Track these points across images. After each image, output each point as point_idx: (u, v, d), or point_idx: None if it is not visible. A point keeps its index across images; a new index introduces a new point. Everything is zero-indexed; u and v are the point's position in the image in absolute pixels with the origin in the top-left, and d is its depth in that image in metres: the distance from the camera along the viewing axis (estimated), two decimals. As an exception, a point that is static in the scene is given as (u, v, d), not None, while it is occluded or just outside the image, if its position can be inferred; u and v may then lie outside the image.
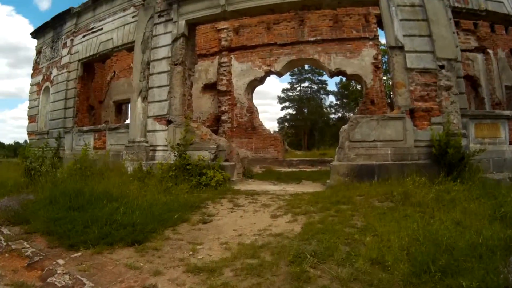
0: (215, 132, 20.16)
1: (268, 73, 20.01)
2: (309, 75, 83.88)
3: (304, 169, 17.48)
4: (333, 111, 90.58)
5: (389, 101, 20.96)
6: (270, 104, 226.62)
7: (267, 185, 12.03)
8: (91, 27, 17.67)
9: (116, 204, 7.63)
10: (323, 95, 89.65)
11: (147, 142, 13.66)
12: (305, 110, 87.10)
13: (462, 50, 14.72)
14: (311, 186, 11.68)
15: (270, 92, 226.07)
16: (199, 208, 8.40)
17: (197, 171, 11.16)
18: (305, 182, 12.77)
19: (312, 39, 19.28)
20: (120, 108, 26.36)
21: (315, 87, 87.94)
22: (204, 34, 21.52)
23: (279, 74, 20.30)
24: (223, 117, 20.41)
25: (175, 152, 11.84)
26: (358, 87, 73.98)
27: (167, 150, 12.56)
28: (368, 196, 8.51)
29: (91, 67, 19.04)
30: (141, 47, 14.43)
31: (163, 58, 13.66)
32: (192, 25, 13.91)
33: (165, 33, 13.81)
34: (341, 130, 11.17)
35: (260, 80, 20.48)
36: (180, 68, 13.31)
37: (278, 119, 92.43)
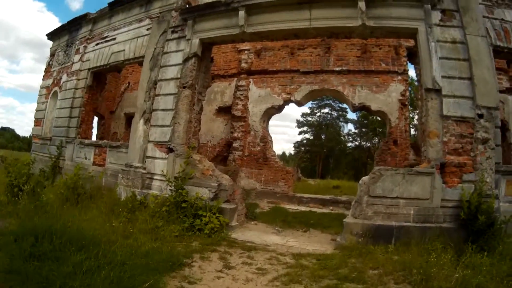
0: (225, 159, 19.12)
1: (287, 102, 18.51)
2: (330, 101, 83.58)
3: (315, 209, 15.88)
4: (351, 139, 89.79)
5: (413, 141, 19.27)
6: (288, 126, 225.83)
7: (269, 234, 10.50)
8: (105, 35, 16.43)
9: (83, 255, 6.12)
10: (342, 123, 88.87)
11: (144, 168, 12.33)
12: (322, 136, 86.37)
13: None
14: (318, 240, 10.21)
15: (290, 115, 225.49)
16: (182, 267, 6.91)
17: (192, 211, 9.77)
18: (312, 232, 11.20)
19: (337, 68, 17.80)
20: (131, 121, 24.47)
21: (335, 114, 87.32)
22: (224, 54, 20.33)
23: (299, 104, 18.79)
24: (235, 144, 19.03)
25: (172, 185, 10.45)
26: (378, 118, 75.36)
27: (164, 180, 11.03)
28: (383, 271, 7.02)
29: (102, 77, 17.77)
30: (150, 64, 13.11)
31: (172, 78, 12.35)
32: (207, 45, 12.53)
33: (176, 51, 12.50)
34: (360, 182, 9.72)
35: (278, 109, 18.98)
36: (188, 92, 11.96)
37: (294, 143, 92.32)
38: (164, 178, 11.12)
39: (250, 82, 19.22)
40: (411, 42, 16.57)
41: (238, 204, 11.06)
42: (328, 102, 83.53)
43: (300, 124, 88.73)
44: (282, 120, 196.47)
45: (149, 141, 12.48)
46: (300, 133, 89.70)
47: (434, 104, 9.63)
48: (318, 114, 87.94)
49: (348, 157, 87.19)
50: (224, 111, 20.18)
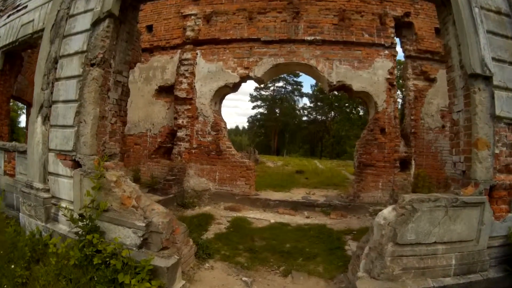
0: (169, 151, 15.40)
1: (244, 79, 14.72)
2: (285, 75, 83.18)
3: (286, 216, 12.52)
4: (306, 113, 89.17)
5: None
6: (241, 100, 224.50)
7: (232, 286, 6.91)
8: (18, 3, 11.45)
9: None
10: (297, 97, 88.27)
11: (48, 190, 8.15)
12: (277, 111, 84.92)
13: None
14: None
15: (242, 87, 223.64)
16: None
17: (108, 274, 5.67)
18: (296, 276, 7.48)
19: (309, 38, 14.14)
20: None
21: (289, 87, 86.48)
22: (165, 21, 16.33)
23: (260, 81, 14.99)
24: (180, 133, 15.07)
25: (77, 226, 6.51)
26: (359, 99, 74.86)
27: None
28: None
29: (17, 57, 13.02)
30: (51, 34, 8.69)
31: (76, 53, 7.96)
32: (130, 2, 8.30)
33: (85, 12, 8.09)
34: (379, 220, 6.13)
35: (233, 87, 15.08)
36: (98, 72, 7.60)
37: (248, 118, 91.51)
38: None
39: (197, 54, 15.19)
40: (398, 11, 14.03)
41: (182, 248, 7.07)
42: (282, 76, 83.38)
43: (253, 98, 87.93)
44: (234, 93, 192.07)
45: (49, 150, 8.21)
46: (253, 107, 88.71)
47: (483, 98, 6.28)
48: (272, 88, 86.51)
49: (303, 131, 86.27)
50: (166, 91, 16.20)
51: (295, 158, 54.17)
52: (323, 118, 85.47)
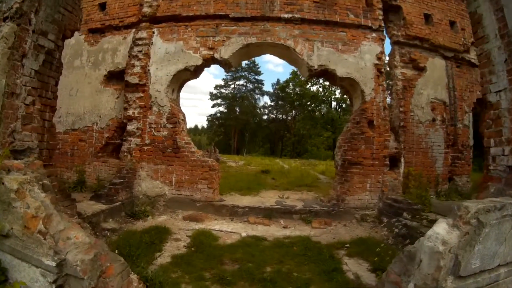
0: (118, 149, 12.94)
1: (208, 61, 12.29)
2: (246, 73, 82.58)
3: (259, 228, 10.13)
4: (267, 112, 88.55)
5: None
6: (200, 99, 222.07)
7: None
8: None
9: None
10: (258, 95, 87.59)
11: None
12: (237, 109, 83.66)
13: None
14: None
15: (200, 87, 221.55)
16: None
17: None
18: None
19: (286, 15, 11.99)
20: None
21: (250, 86, 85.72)
22: (121, -4, 13.65)
23: (226, 64, 12.57)
24: (130, 127, 12.48)
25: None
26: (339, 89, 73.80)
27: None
28: None
29: None
30: None
31: None
32: None
33: None
34: (429, 244, 3.94)
35: (195, 72, 12.58)
36: (10, 29, 5.35)
37: (208, 116, 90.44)
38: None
39: (153, 33, 12.65)
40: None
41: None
42: (243, 74, 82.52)
43: (213, 96, 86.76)
44: (193, 93, 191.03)
45: None
46: (213, 105, 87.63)
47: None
48: (232, 86, 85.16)
49: (264, 130, 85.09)
50: (117, 78, 13.55)
51: (256, 157, 52.50)
52: (284, 117, 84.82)
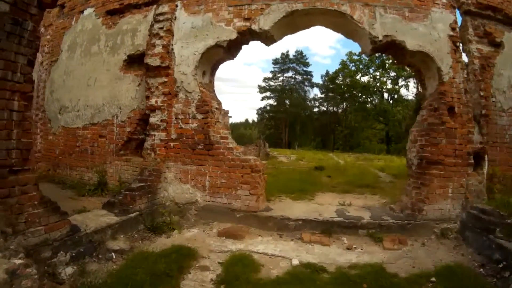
0: (141, 145, 10.71)
1: (244, 34, 9.73)
2: (294, 64, 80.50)
3: (316, 249, 7.52)
4: (317, 104, 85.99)
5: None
6: (249, 93, 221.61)
7: None
8: None
9: None
10: (307, 87, 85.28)
11: None
12: (287, 102, 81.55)
13: None
14: None
15: (248, 81, 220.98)
16: None
17: None
18: None
19: (338, -25, 9.25)
20: None
21: (299, 78, 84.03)
22: (138, -29, 11.49)
23: (267, 38, 9.96)
24: (153, 119, 10.16)
25: None
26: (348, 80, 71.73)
27: None
28: None
29: None
30: None
31: None
32: None
33: None
34: None
35: (228, 49, 10.04)
36: None
37: (257, 110, 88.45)
38: None
39: (176, 6, 10.28)
40: None
41: None
42: (291, 65, 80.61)
43: (262, 89, 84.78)
44: (243, 87, 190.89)
45: None
46: (262, 98, 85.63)
47: None
48: (281, 78, 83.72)
49: (315, 123, 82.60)
50: (138, 62, 11.13)
51: (309, 151, 49.98)
52: (335, 109, 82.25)
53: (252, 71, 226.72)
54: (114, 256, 6.61)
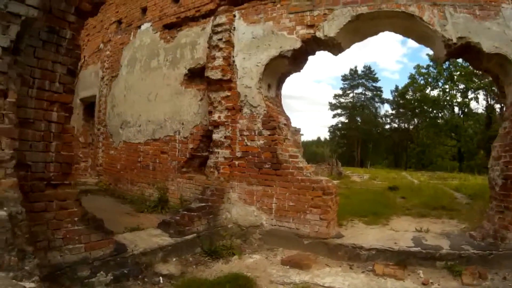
0: (204, 163, 10.33)
1: (309, 43, 8.95)
2: (363, 80, 79.50)
3: (389, 284, 6.64)
4: (388, 121, 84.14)
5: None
6: (320, 111, 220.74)
7: None
8: None
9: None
10: (378, 103, 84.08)
11: None
12: (358, 119, 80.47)
13: None
14: None
15: (319, 99, 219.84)
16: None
17: None
18: None
19: (404, -25, 8.40)
20: (91, 109, 17.12)
21: (369, 94, 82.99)
22: (195, -16, 11.37)
23: (334, 46, 9.00)
24: (216, 135, 9.64)
25: None
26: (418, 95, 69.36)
27: None
28: None
29: None
30: None
31: None
32: None
33: None
34: None
35: (293, 59, 9.32)
36: None
37: (329, 127, 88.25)
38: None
39: (234, 17, 9.84)
40: None
41: None
42: (360, 81, 79.93)
43: (333, 106, 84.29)
44: (314, 104, 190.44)
45: None
46: (334, 116, 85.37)
47: None
48: (351, 95, 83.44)
49: (387, 140, 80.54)
50: (200, 76, 10.86)
51: (381, 170, 48.06)
52: (406, 125, 79.95)
53: (322, 88, 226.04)
54: (161, 281, 6.22)
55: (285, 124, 9.27)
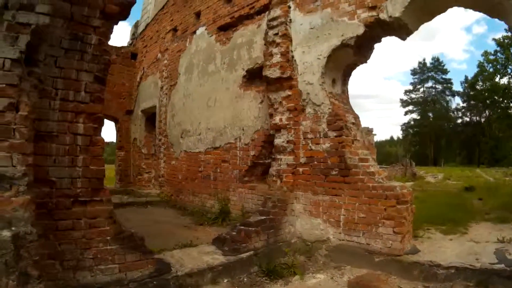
0: (266, 171, 9.28)
1: (373, 27, 7.66)
2: (432, 73, 76.91)
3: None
4: (460, 114, 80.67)
5: None
6: (392, 109, 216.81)
7: None
8: None
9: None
10: (449, 96, 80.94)
11: None
12: (430, 115, 77.45)
13: None
14: None
15: (389, 96, 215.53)
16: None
17: None
18: None
19: None
20: (152, 120, 16.78)
21: (439, 87, 79.93)
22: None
23: (401, 28, 7.47)
24: (278, 140, 8.61)
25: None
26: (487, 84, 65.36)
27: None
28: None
29: None
30: None
31: None
32: None
33: None
34: None
35: (358, 48, 8.04)
36: None
37: (401, 125, 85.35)
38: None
39: (289, 8, 8.78)
40: None
41: None
42: (430, 74, 77.42)
43: (404, 103, 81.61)
44: (385, 103, 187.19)
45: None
46: (405, 113, 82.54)
47: None
48: (421, 89, 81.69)
49: (460, 135, 76.90)
50: (259, 77, 9.87)
51: (456, 169, 45.20)
52: (478, 118, 75.89)
53: (392, 85, 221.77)
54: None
55: (353, 123, 7.99)
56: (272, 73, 8.65)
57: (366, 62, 8.82)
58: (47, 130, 4.50)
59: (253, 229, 7.18)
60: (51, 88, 4.58)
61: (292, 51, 8.62)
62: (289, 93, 8.52)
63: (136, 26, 19.67)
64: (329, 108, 7.93)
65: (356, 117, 8.24)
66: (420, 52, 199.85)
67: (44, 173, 4.43)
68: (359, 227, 7.31)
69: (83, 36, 4.80)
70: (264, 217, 7.62)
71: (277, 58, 8.64)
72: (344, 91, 9.05)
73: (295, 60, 8.57)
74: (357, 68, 9.10)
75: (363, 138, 8.19)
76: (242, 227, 7.23)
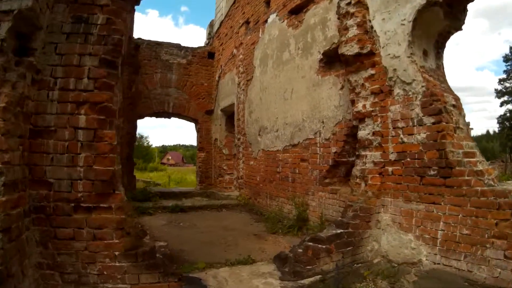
0: (349, 172, 7.66)
1: None
2: None
3: None
4: None
5: None
6: (487, 101, 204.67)
7: None
8: None
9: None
10: None
11: None
12: None
13: None
14: None
15: (484, 88, 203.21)
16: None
17: None
18: None
19: None
20: (232, 119, 15.99)
21: None
22: None
23: None
24: (362, 132, 6.89)
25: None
26: None
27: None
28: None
29: None
30: None
31: None
32: None
33: None
34: None
35: (448, 7, 6.02)
36: None
37: (498, 118, 76.46)
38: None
39: (359, -31, 7.23)
40: None
41: None
42: None
43: (499, 93, 72.45)
44: (480, 95, 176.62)
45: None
46: (501, 104, 73.11)
47: None
48: None
49: None
50: (338, 58, 8.06)
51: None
52: None
53: (485, 76, 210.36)
54: None
55: (454, 106, 5.96)
56: (349, 49, 6.98)
57: (460, 28, 6.74)
58: (44, 125, 4.08)
59: (323, 246, 5.54)
60: (50, 77, 4.12)
61: (370, 21, 6.89)
62: (372, 72, 6.77)
63: (211, 25, 19.48)
64: (422, 86, 5.99)
65: (457, 99, 6.17)
66: (510, 37, 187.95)
67: (41, 173, 4.03)
68: (460, 248, 5.22)
69: (88, 17, 4.31)
70: (341, 230, 5.90)
71: (353, 31, 6.97)
72: (439, 66, 7.03)
73: (374, 31, 6.80)
74: (451, 37, 7.06)
75: (466, 127, 6.16)
76: (311, 243, 5.59)
